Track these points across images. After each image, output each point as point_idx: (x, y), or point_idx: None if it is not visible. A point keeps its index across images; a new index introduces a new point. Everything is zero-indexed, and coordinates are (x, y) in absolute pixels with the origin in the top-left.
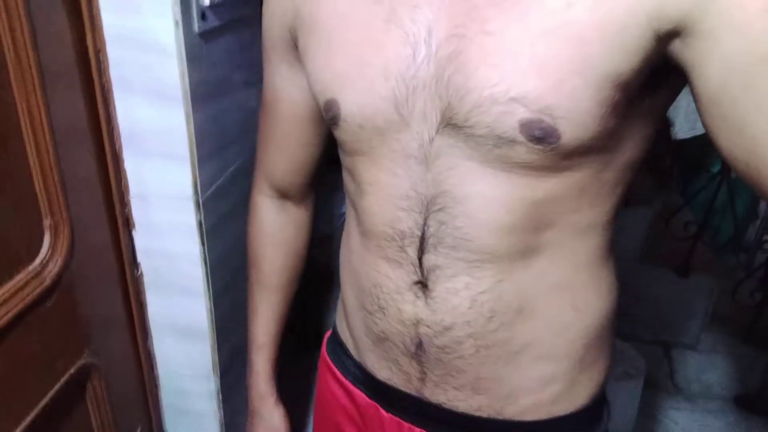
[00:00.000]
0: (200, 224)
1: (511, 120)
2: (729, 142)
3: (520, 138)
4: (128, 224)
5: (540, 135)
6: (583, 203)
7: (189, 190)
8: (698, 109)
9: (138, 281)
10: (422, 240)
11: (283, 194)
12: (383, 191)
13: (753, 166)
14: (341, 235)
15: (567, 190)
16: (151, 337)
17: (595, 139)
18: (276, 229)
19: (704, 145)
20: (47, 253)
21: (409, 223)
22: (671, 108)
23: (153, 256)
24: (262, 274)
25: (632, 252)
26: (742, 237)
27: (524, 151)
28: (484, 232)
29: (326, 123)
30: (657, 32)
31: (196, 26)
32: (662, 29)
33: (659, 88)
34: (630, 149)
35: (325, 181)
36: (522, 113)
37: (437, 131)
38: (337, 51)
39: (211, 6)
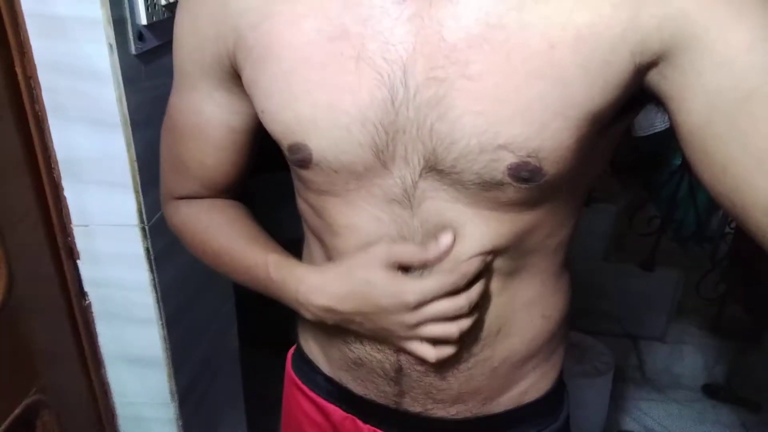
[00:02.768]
0: (148, 251)
1: (499, 166)
2: (712, 179)
3: (508, 180)
4: (72, 254)
5: (527, 176)
6: (556, 225)
7: (134, 217)
8: (679, 141)
9: (86, 312)
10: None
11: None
12: (364, 237)
13: (738, 204)
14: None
15: (544, 216)
16: (105, 366)
17: (571, 171)
18: (212, 205)
19: (664, 141)
20: None
21: None
22: None
23: (101, 286)
24: (223, 225)
25: (598, 250)
26: (705, 228)
27: (512, 192)
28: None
29: (290, 162)
30: (638, 66)
31: (132, 48)
32: (643, 62)
33: (630, 113)
34: (595, 168)
35: (291, 182)
36: (510, 159)
37: (420, 175)
38: (300, 91)
39: (149, 25)
